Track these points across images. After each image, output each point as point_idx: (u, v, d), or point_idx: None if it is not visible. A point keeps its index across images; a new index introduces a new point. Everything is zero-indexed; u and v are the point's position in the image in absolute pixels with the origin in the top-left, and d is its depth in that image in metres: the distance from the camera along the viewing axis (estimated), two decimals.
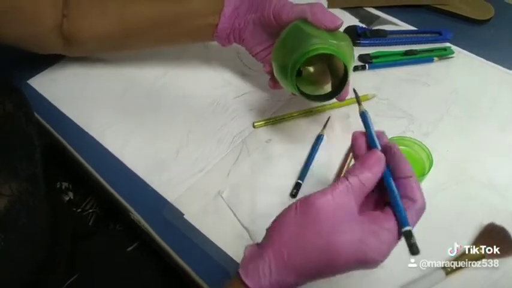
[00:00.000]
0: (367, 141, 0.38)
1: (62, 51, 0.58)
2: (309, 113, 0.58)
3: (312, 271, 0.34)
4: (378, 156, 0.35)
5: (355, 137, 0.38)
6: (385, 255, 0.34)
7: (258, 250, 0.35)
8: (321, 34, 0.46)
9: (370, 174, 0.34)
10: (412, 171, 0.35)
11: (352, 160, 0.52)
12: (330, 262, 0.33)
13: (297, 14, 0.48)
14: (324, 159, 0.53)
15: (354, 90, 0.43)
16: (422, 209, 0.36)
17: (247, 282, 0.34)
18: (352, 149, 0.39)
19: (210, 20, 0.54)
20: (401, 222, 0.34)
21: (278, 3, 0.50)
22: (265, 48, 0.55)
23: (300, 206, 0.34)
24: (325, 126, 0.56)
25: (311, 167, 0.52)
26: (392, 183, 0.35)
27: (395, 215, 0.34)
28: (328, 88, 0.51)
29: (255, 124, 0.57)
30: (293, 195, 0.49)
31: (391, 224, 0.34)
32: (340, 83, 0.48)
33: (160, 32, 0.56)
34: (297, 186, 0.50)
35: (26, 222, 0.38)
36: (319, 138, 0.54)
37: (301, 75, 0.52)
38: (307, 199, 0.34)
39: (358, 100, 0.41)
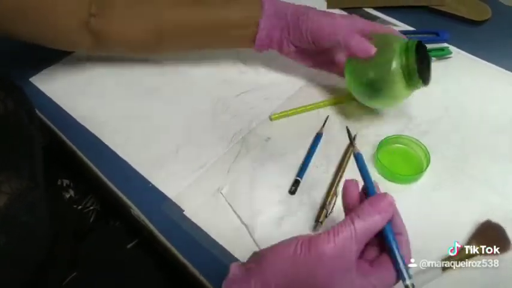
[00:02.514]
0: (361, 188, 0.36)
1: (88, 50, 0.57)
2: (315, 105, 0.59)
3: None
4: (390, 200, 0.33)
5: (346, 186, 0.36)
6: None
7: (245, 272, 0.34)
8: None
9: (379, 218, 0.32)
10: (405, 229, 0.34)
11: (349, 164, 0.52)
12: None
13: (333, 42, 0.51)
14: (322, 156, 0.54)
15: (347, 129, 0.43)
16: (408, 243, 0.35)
17: None
18: (343, 198, 0.37)
19: (248, 31, 0.54)
20: (401, 275, 0.33)
21: (313, 25, 0.52)
22: (305, 55, 0.57)
23: (302, 246, 0.32)
24: (324, 124, 0.56)
25: (310, 164, 0.52)
26: (392, 239, 0.33)
27: (393, 265, 0.33)
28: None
29: (272, 117, 0.58)
30: (292, 192, 0.50)
31: (390, 279, 0.33)
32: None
33: (196, 40, 0.56)
34: (296, 184, 0.50)
35: (26, 220, 0.38)
36: (318, 137, 0.55)
37: None
38: (310, 241, 0.32)
39: (351, 140, 0.41)
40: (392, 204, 0.33)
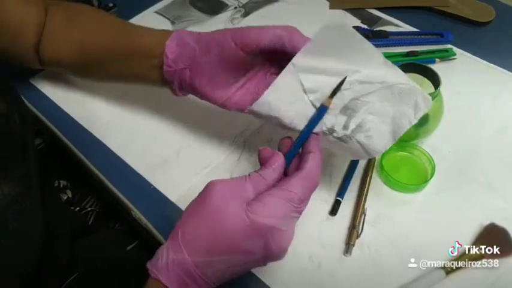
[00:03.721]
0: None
1: (40, 68, 0.58)
2: None
3: (205, 245, 0.35)
4: (278, 154, 0.39)
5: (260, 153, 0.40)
6: (272, 216, 0.35)
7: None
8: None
9: (269, 170, 0.38)
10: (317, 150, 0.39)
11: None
12: (219, 233, 0.35)
13: (271, 40, 0.41)
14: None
15: (340, 83, 0.40)
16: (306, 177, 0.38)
17: (148, 265, 0.36)
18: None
19: (154, 61, 0.48)
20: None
21: (236, 32, 0.43)
22: (226, 89, 0.46)
23: (199, 195, 0.37)
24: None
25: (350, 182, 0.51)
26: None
27: (283, 181, 0.37)
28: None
29: None
30: (333, 213, 0.49)
31: (275, 190, 0.36)
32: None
33: (114, 68, 0.53)
34: (337, 204, 0.49)
35: (17, 225, 0.38)
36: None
37: None
38: (207, 184, 0.37)
39: (335, 90, 0.39)
40: (279, 157, 0.38)
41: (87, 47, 0.52)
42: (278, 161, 0.38)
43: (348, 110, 0.40)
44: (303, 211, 0.38)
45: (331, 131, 0.40)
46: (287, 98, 0.41)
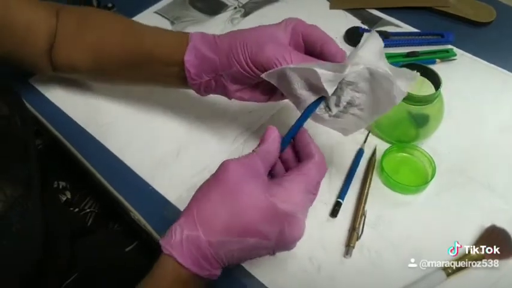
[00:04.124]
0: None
1: (53, 74, 0.58)
2: None
3: (221, 224, 0.35)
4: (271, 128, 0.40)
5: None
6: (291, 201, 0.36)
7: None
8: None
9: (268, 143, 0.39)
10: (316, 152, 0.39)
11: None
12: (236, 214, 0.35)
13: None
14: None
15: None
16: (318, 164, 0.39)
17: (161, 241, 0.36)
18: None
19: (173, 69, 0.47)
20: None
21: (253, 49, 0.42)
22: (244, 89, 0.47)
23: (215, 172, 0.37)
24: (365, 140, 0.54)
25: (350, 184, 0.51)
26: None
27: (299, 167, 0.38)
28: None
29: None
30: (333, 215, 0.48)
31: (293, 175, 0.37)
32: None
33: (130, 74, 0.53)
34: (337, 206, 0.49)
35: (20, 226, 0.38)
36: (360, 153, 0.53)
37: None
38: (221, 164, 0.37)
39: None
40: (273, 129, 0.40)
41: (100, 54, 0.52)
42: (274, 133, 0.39)
43: (336, 90, 0.40)
44: (314, 200, 0.38)
45: (327, 109, 0.42)
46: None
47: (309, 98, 0.41)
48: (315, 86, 0.40)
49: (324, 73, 0.38)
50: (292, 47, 0.43)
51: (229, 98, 0.47)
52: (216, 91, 0.48)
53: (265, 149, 0.38)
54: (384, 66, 0.39)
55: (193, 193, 0.50)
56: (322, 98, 0.41)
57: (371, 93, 0.40)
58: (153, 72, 0.50)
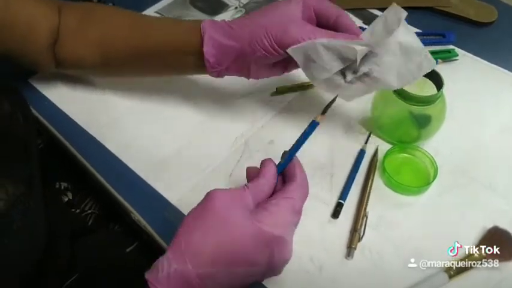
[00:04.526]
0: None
1: (56, 71, 0.58)
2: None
3: (210, 256, 0.34)
4: (269, 164, 0.39)
5: (247, 170, 0.42)
6: (279, 225, 0.36)
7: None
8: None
9: (264, 180, 0.38)
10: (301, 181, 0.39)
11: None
12: (225, 244, 0.34)
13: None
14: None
15: (332, 101, 0.44)
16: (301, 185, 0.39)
17: (147, 276, 0.35)
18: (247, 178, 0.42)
19: (192, 58, 0.49)
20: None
21: (277, 33, 0.44)
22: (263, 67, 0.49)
23: (198, 205, 0.37)
24: (367, 141, 0.54)
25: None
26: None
27: (282, 191, 0.38)
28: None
29: (279, 89, 0.60)
30: (335, 216, 0.48)
31: (278, 199, 0.37)
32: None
33: (140, 64, 0.53)
34: (339, 207, 0.48)
35: (21, 225, 0.38)
36: (361, 154, 0.53)
37: None
38: (207, 193, 0.37)
39: (327, 107, 0.43)
40: (272, 165, 0.39)
41: (107, 48, 0.52)
42: (271, 171, 0.39)
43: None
44: (299, 221, 0.39)
45: (343, 76, 0.45)
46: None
47: (338, 67, 0.44)
48: (344, 57, 0.43)
49: (361, 49, 0.42)
50: (306, 21, 0.46)
51: (248, 78, 0.50)
52: (235, 74, 0.50)
53: (258, 185, 0.38)
54: (412, 39, 0.44)
55: (194, 193, 0.50)
56: (316, 124, 0.42)
57: (396, 65, 0.44)
58: (166, 63, 0.51)
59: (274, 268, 0.37)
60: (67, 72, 0.58)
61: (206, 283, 0.34)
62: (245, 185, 0.38)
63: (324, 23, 0.47)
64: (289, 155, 0.41)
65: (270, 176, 0.39)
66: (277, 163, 0.41)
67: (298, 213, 0.38)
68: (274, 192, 0.40)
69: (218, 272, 0.34)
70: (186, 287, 0.34)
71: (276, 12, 0.45)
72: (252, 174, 0.41)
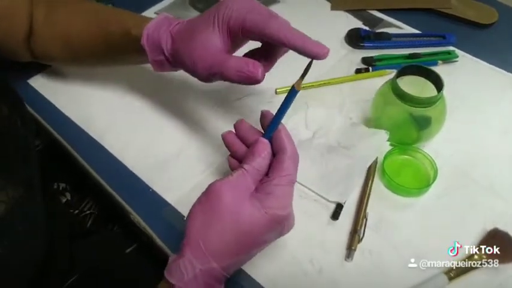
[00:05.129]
0: (244, 132, 0.42)
1: (31, 60, 0.58)
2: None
3: (232, 250, 0.36)
4: (263, 142, 0.39)
5: (224, 136, 0.43)
6: (287, 206, 0.38)
7: (178, 253, 0.37)
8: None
9: (260, 159, 0.38)
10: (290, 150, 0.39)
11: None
12: (243, 237, 0.36)
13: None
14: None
15: (308, 66, 0.39)
16: (293, 156, 0.39)
17: (171, 280, 0.35)
18: (228, 148, 0.43)
19: (133, 32, 0.46)
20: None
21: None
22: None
23: (203, 195, 0.38)
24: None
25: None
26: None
27: (280, 168, 0.38)
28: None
29: (278, 90, 0.60)
30: (335, 217, 0.48)
31: (279, 179, 0.37)
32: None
33: (97, 50, 0.53)
34: (339, 208, 0.48)
35: (22, 227, 0.38)
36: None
37: None
38: (208, 187, 0.38)
39: (305, 72, 0.39)
40: (266, 144, 0.39)
41: (70, 42, 0.53)
42: (266, 149, 0.39)
43: None
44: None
45: None
46: None
47: None
48: None
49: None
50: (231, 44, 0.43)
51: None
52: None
53: (256, 166, 0.38)
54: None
55: (193, 194, 0.50)
56: (295, 92, 0.40)
57: None
58: (118, 50, 0.50)
59: (282, 235, 0.39)
60: (43, 63, 0.60)
61: (230, 270, 0.37)
62: (244, 167, 0.38)
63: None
64: (273, 124, 0.40)
65: (266, 155, 0.39)
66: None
67: (295, 181, 0.39)
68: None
69: (240, 259, 0.37)
70: (214, 280, 0.36)
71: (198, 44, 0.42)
72: (233, 143, 0.42)
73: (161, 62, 0.46)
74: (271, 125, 0.40)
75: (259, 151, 0.39)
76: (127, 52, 0.50)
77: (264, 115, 0.42)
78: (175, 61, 0.45)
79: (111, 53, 0.52)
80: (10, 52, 0.55)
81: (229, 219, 0.36)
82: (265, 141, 0.40)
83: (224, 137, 0.43)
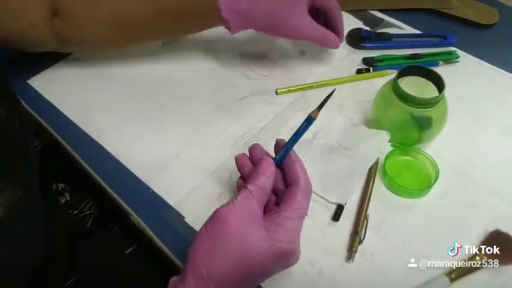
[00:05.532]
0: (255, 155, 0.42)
1: (57, 50, 0.58)
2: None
3: (235, 280, 0.35)
4: (268, 160, 0.39)
5: (237, 159, 0.43)
6: (294, 240, 0.37)
7: (180, 278, 0.36)
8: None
9: (264, 178, 0.38)
10: (303, 181, 0.39)
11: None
12: (247, 267, 0.35)
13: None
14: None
15: (328, 96, 0.42)
16: (306, 190, 0.39)
17: None
18: (240, 171, 0.43)
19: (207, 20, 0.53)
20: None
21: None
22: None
23: (208, 222, 0.37)
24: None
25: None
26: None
27: (292, 200, 0.38)
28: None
29: (278, 91, 0.60)
30: (335, 218, 0.48)
31: (290, 211, 0.37)
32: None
33: (154, 29, 0.55)
34: (340, 209, 0.48)
35: (21, 230, 0.38)
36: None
37: None
38: (213, 214, 0.37)
39: (323, 103, 0.41)
40: (270, 162, 0.39)
41: (122, 11, 0.53)
42: (271, 168, 0.39)
43: None
44: None
45: None
46: None
47: None
48: None
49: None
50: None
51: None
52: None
53: (260, 184, 0.38)
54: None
55: (193, 195, 0.50)
56: (312, 120, 0.41)
57: None
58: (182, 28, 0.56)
59: (287, 268, 0.39)
60: (70, 50, 0.60)
61: None
62: (247, 189, 0.37)
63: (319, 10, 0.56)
64: (285, 149, 0.41)
65: (270, 173, 0.39)
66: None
67: (305, 216, 0.39)
68: (278, 191, 0.41)
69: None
70: None
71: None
72: (245, 165, 0.42)
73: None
74: (283, 148, 0.41)
75: (263, 169, 0.38)
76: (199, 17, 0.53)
77: (277, 142, 0.42)
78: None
79: (176, 25, 0.55)
80: (31, 39, 0.55)
81: (234, 249, 0.35)
82: (270, 159, 0.39)
83: (237, 159, 0.43)
